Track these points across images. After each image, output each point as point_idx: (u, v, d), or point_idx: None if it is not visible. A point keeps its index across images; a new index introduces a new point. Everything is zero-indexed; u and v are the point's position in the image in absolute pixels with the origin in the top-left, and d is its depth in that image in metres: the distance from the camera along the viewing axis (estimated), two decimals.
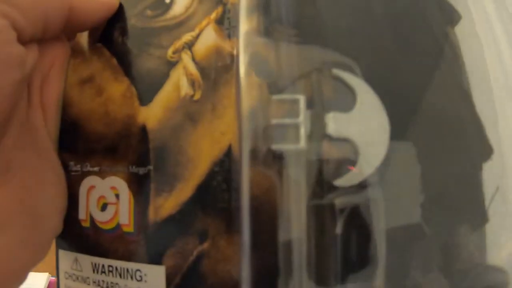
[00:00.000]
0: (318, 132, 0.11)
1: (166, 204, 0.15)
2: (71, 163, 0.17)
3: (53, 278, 0.69)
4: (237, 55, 0.11)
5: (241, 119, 0.10)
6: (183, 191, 0.15)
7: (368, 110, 0.11)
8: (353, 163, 0.11)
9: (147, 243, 0.15)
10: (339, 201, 0.10)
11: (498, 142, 0.14)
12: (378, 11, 0.13)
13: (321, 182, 0.10)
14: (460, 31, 0.16)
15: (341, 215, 0.10)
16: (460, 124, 0.12)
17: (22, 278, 0.13)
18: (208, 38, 0.17)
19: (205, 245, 0.15)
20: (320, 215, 0.10)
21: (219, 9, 0.17)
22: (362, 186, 0.11)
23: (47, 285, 0.67)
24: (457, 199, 0.13)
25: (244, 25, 0.13)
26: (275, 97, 0.11)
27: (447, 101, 0.13)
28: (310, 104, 0.11)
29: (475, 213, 0.13)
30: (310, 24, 0.13)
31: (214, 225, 0.15)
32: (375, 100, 0.11)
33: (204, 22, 0.17)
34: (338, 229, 0.10)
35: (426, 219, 0.12)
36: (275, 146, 0.10)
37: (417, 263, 0.12)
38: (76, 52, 0.18)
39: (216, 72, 0.16)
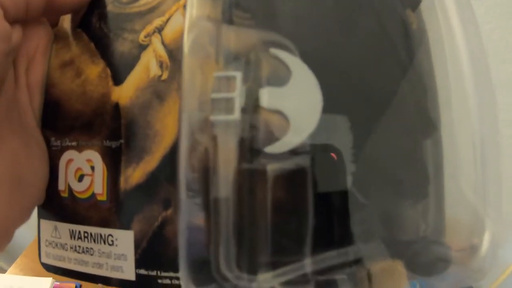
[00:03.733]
0: (251, 105, 0.12)
1: (135, 174, 0.17)
2: (52, 139, 0.18)
3: (57, 283, 0.70)
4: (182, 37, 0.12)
5: (182, 94, 0.11)
6: (150, 162, 0.17)
7: (301, 86, 0.12)
8: (284, 133, 0.12)
9: (118, 210, 0.17)
10: (270, 167, 0.12)
11: (450, 120, 0.15)
12: None
13: (252, 149, 0.12)
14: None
15: (271, 180, 0.12)
16: (400, 102, 0.13)
17: (8, 235, 0.15)
18: (176, 22, 0.18)
19: (169, 211, 0.16)
20: (250, 179, 0.11)
21: None
22: (291, 153, 0.12)
23: None
24: (395, 172, 0.13)
25: (198, 10, 0.14)
26: (215, 74, 0.12)
27: (387, 80, 0.13)
28: (246, 80, 0.12)
29: (415, 187, 0.14)
30: (263, 8, 0.14)
31: (176, 194, 0.16)
32: (310, 77, 0.12)
33: (174, 8, 0.18)
34: (268, 193, 0.11)
35: (361, 189, 0.13)
36: (212, 117, 0.12)
37: (357, 231, 0.13)
38: (58, 37, 0.20)
39: (182, 54, 0.17)
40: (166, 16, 0.18)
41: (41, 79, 0.19)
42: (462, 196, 0.15)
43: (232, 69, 0.12)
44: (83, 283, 0.69)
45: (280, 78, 0.12)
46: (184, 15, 0.18)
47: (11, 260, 0.79)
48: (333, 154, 0.12)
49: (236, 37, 0.13)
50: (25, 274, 0.71)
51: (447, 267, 0.13)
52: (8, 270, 0.75)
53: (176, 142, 0.16)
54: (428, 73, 0.15)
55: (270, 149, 0.12)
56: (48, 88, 0.19)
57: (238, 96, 0.12)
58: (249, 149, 0.12)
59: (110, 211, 0.17)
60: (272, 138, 0.12)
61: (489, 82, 0.16)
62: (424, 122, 0.13)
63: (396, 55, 0.14)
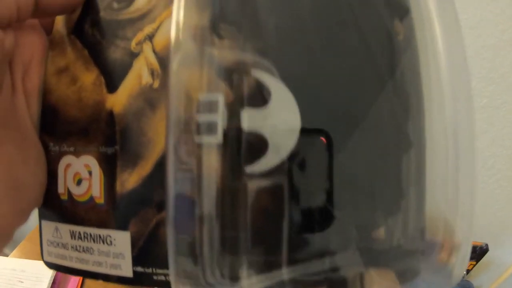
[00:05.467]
0: (233, 127, 0.13)
1: (130, 178, 0.18)
2: (51, 144, 0.20)
3: None
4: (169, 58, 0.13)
5: (168, 115, 0.13)
6: (144, 168, 0.18)
7: (280, 107, 0.13)
8: (263, 153, 0.13)
9: (115, 213, 0.18)
10: (250, 185, 0.13)
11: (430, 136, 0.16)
12: (306, 9, 0.15)
13: (234, 169, 0.13)
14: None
15: (251, 196, 0.13)
16: (377, 120, 0.14)
17: (6, 235, 0.17)
18: (167, 30, 0.19)
19: (162, 214, 0.18)
20: (232, 196, 0.13)
21: None
22: (270, 173, 0.13)
23: (54, 274, 0.71)
24: (370, 187, 0.15)
25: (191, 19, 0.14)
26: (199, 96, 0.13)
27: (367, 100, 0.14)
28: (229, 101, 0.13)
29: (389, 202, 0.15)
30: (248, 23, 0.15)
31: (166, 211, 0.17)
32: (289, 99, 0.13)
33: (164, 14, 0.19)
34: (249, 208, 0.13)
35: (335, 204, 0.14)
36: (196, 139, 0.13)
37: (333, 241, 0.14)
38: (53, 44, 0.21)
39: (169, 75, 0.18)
40: (157, 23, 0.19)
41: (38, 86, 0.20)
42: (435, 206, 0.16)
43: (215, 90, 0.13)
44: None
45: (260, 99, 0.13)
46: None
47: (13, 245, 0.82)
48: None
49: (220, 59, 0.14)
50: (27, 258, 0.73)
51: (415, 276, 0.15)
52: (11, 254, 0.78)
53: None
54: (412, 85, 0.16)
55: (250, 169, 0.13)
56: (45, 94, 0.20)
57: (220, 119, 0.13)
58: (231, 168, 0.13)
59: (108, 213, 0.19)
60: (252, 158, 0.13)
61: (469, 94, 0.17)
62: (400, 139, 0.14)
63: (378, 74, 0.15)
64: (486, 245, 0.61)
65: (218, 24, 0.15)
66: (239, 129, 0.13)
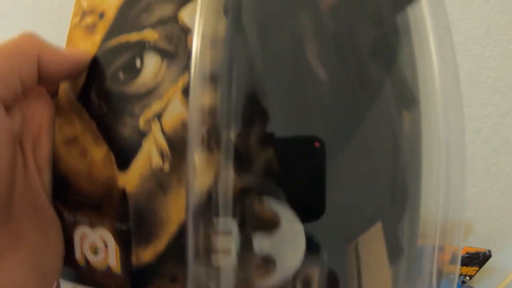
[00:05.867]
0: (246, 251, 0.14)
1: (145, 254, 0.20)
2: (64, 212, 0.21)
3: None
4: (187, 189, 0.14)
5: (188, 237, 0.14)
6: (158, 245, 0.20)
7: (288, 233, 0.15)
8: (272, 271, 0.15)
9: (131, 282, 0.20)
10: None
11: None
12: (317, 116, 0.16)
13: (247, 284, 0.15)
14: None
15: None
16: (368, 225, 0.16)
17: None
18: (175, 108, 0.19)
19: (176, 285, 0.20)
20: None
21: (185, 77, 0.20)
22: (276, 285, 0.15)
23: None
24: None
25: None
26: (215, 225, 0.14)
27: (369, 216, 0.16)
28: (242, 226, 0.15)
29: None
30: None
31: (182, 271, 0.19)
32: (296, 225, 0.15)
33: (171, 91, 0.20)
34: None
35: None
36: (214, 261, 0.14)
37: None
38: (60, 110, 0.21)
39: (182, 144, 0.19)
40: (164, 100, 0.20)
41: (48, 155, 0.21)
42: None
43: (230, 216, 0.15)
44: None
45: (270, 225, 0.15)
46: (182, 101, 0.20)
47: None
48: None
49: (234, 185, 0.15)
50: None
51: None
52: None
53: (180, 229, 0.19)
54: (413, 179, 0.18)
55: (260, 285, 0.15)
56: (55, 162, 0.21)
57: (234, 244, 0.15)
58: (245, 284, 0.15)
59: (125, 281, 0.21)
60: (262, 275, 0.15)
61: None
62: (393, 246, 0.16)
63: (382, 177, 0.16)
64: (489, 251, 0.63)
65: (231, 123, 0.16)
66: (251, 251, 0.15)
